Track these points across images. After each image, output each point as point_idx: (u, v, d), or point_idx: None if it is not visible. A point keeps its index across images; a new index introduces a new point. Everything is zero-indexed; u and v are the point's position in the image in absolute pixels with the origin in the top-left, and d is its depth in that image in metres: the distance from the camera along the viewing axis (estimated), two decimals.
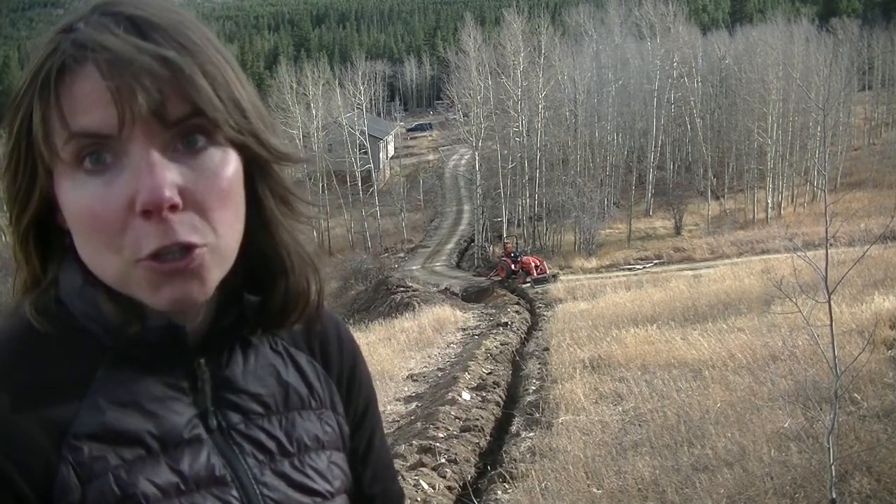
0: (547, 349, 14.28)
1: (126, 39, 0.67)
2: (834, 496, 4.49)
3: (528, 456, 7.97)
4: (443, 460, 7.82)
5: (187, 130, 0.69)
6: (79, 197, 0.68)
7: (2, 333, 0.75)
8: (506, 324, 18.41)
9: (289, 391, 0.83)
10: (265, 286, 0.79)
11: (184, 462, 0.72)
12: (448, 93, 48.38)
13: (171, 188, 0.67)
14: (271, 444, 0.79)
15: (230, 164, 0.72)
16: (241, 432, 0.78)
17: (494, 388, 11.54)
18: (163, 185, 0.66)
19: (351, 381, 0.92)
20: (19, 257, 0.75)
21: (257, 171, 0.76)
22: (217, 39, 0.74)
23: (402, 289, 26.97)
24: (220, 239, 0.71)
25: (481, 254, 38.32)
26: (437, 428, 8.92)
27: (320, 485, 0.81)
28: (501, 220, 40.79)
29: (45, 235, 0.75)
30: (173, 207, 0.67)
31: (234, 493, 0.74)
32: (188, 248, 0.68)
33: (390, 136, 71.63)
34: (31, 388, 0.70)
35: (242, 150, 0.73)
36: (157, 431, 0.72)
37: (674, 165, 49.51)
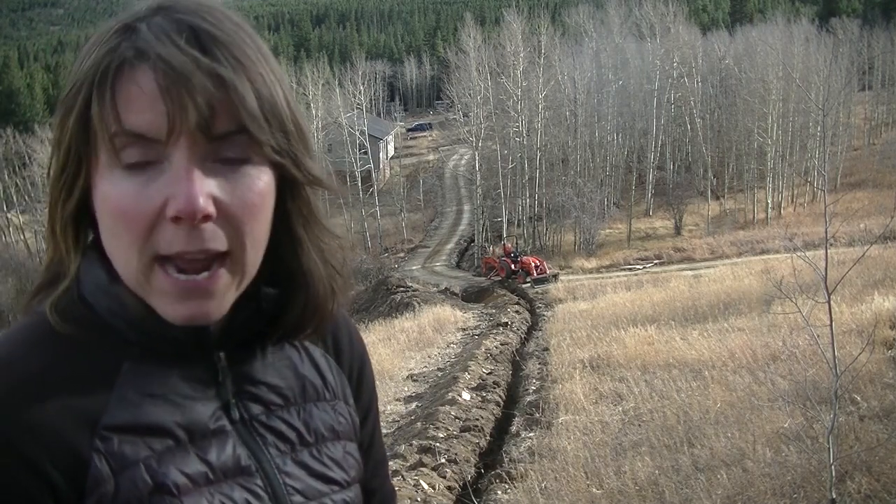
0: (547, 349, 14.26)
1: (186, 52, 0.68)
2: (834, 496, 4.49)
3: (527, 456, 7.96)
4: (443, 460, 7.82)
5: (229, 145, 0.71)
6: (114, 192, 0.70)
7: (27, 330, 0.76)
8: (506, 324, 18.41)
9: (305, 383, 0.85)
10: (286, 298, 0.81)
11: (211, 452, 0.74)
12: (448, 93, 48.38)
13: (206, 199, 0.69)
14: (292, 435, 0.81)
15: (263, 180, 0.73)
16: (263, 423, 0.80)
17: (494, 388, 11.54)
18: (198, 195, 0.68)
19: (360, 376, 0.95)
20: (61, 247, 0.76)
21: (288, 190, 0.78)
22: (270, 53, 0.75)
23: (402, 289, 26.97)
24: (245, 253, 0.72)
25: (481, 254, 38.36)
26: (437, 428, 8.91)
27: (337, 474, 0.83)
28: (501, 220, 40.81)
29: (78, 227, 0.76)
30: (206, 218, 0.69)
31: (259, 482, 0.76)
32: (209, 265, 0.70)
33: (390, 136, 71.63)
34: (59, 382, 0.71)
35: (278, 168, 0.75)
36: (185, 422, 0.74)
37: (674, 165, 49.53)
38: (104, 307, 0.75)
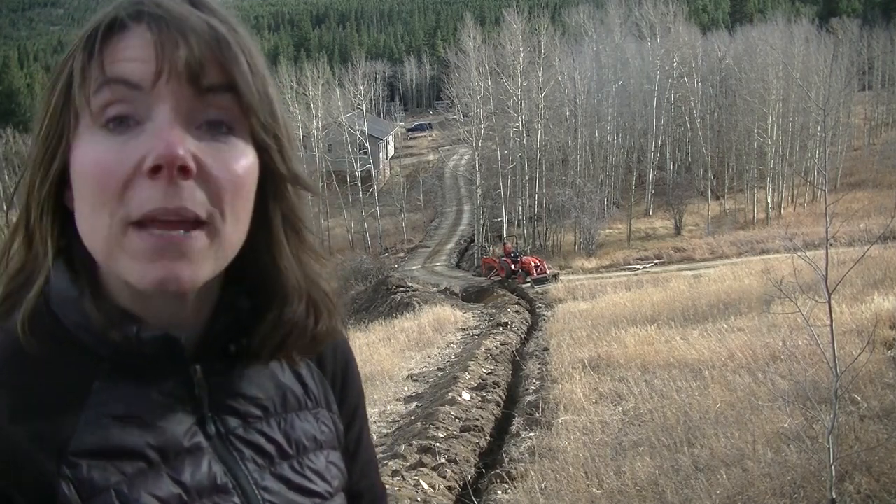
0: (547, 349, 14.26)
1: (181, 4, 0.69)
2: (833, 496, 4.49)
3: (527, 456, 7.96)
4: (443, 460, 7.82)
5: (216, 105, 0.69)
6: (92, 151, 0.67)
7: None
8: (506, 324, 18.40)
9: (286, 393, 0.82)
10: (260, 311, 0.78)
11: (185, 472, 0.71)
12: (448, 93, 48.40)
13: (185, 150, 0.66)
14: (271, 448, 0.78)
15: (248, 158, 0.71)
16: (241, 437, 0.77)
17: (494, 388, 11.54)
18: (178, 143, 0.65)
19: (345, 381, 0.92)
20: (36, 239, 0.72)
21: (271, 188, 0.75)
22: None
23: (402, 289, 26.98)
24: (224, 226, 0.69)
25: (481, 254, 38.35)
26: (437, 428, 8.91)
27: (319, 486, 0.81)
28: (501, 220, 40.82)
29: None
30: (184, 171, 0.65)
31: (237, 499, 0.73)
32: (186, 225, 0.66)
33: (390, 136, 71.62)
34: (27, 404, 0.68)
35: (261, 153, 0.72)
36: (157, 443, 0.71)
37: (674, 165, 49.53)
38: (72, 321, 0.71)
